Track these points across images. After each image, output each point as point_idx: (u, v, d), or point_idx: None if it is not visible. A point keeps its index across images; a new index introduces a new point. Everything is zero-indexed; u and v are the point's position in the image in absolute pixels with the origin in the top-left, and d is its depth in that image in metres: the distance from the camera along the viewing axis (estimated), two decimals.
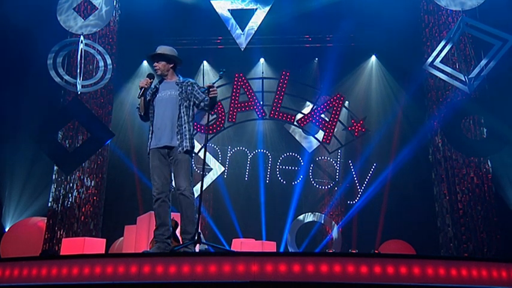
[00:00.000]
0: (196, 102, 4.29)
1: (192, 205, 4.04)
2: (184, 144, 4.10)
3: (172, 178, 4.19)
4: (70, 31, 8.41)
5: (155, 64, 4.32)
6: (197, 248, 3.94)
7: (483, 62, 7.62)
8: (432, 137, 8.75)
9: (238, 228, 9.80)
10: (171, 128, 4.14)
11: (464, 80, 7.81)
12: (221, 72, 4.24)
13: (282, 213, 10.00)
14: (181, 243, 4.27)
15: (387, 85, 10.69)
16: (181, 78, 4.35)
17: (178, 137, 4.12)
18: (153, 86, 4.29)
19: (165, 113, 4.17)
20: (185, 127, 4.15)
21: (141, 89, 4.17)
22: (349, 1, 9.08)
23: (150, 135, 4.21)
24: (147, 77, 4.23)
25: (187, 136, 4.14)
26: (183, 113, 4.18)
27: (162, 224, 4.05)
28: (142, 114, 4.27)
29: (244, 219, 10.02)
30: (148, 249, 4.91)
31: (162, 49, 4.33)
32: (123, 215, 8.67)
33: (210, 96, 4.14)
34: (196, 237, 3.94)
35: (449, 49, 7.96)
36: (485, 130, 8.04)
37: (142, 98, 4.19)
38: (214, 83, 4.20)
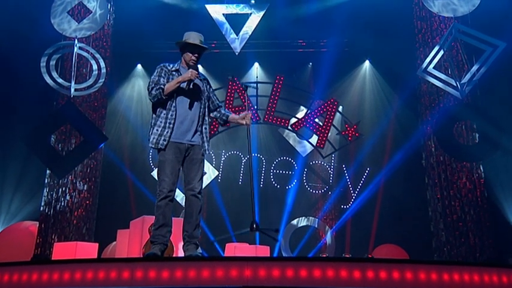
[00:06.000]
0: (211, 106, 4.13)
1: (201, 209, 3.92)
2: (206, 146, 3.99)
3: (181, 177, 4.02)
4: (64, 34, 8.39)
5: (196, 56, 3.97)
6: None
7: (474, 68, 7.72)
8: (425, 142, 8.80)
9: (232, 232, 9.75)
10: (197, 125, 3.94)
11: (456, 85, 7.89)
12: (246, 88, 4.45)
13: (276, 217, 9.99)
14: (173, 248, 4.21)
15: (380, 90, 10.74)
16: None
17: (201, 136, 3.98)
18: (173, 69, 4.00)
19: (191, 107, 3.92)
20: (206, 128, 4.03)
21: (189, 80, 3.86)
22: (343, 6, 9.14)
23: (169, 125, 3.84)
24: (194, 69, 3.94)
25: (209, 138, 4.04)
26: (206, 113, 4.06)
27: (166, 225, 3.82)
28: (164, 97, 3.84)
29: (238, 223, 9.98)
30: (145, 252, 4.75)
31: (202, 37, 4.00)
32: (116, 219, 8.59)
33: (240, 122, 4.09)
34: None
35: (442, 55, 8.04)
36: (477, 135, 8.10)
37: (178, 85, 3.85)
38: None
